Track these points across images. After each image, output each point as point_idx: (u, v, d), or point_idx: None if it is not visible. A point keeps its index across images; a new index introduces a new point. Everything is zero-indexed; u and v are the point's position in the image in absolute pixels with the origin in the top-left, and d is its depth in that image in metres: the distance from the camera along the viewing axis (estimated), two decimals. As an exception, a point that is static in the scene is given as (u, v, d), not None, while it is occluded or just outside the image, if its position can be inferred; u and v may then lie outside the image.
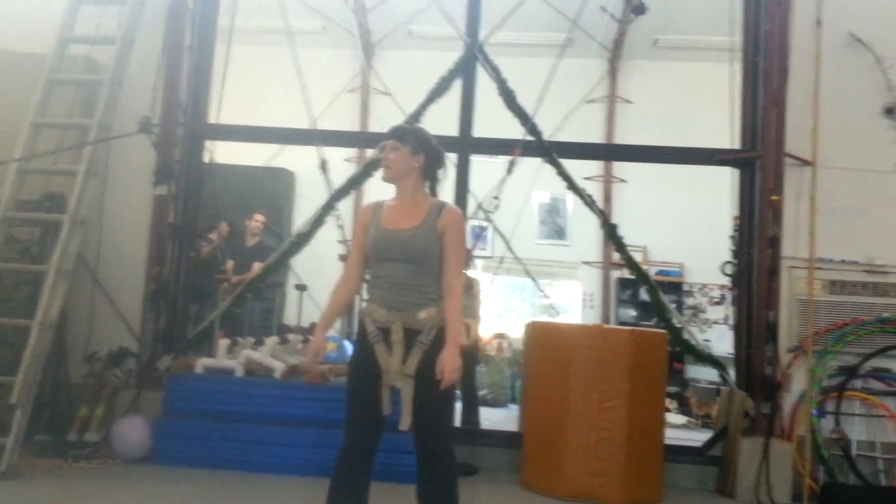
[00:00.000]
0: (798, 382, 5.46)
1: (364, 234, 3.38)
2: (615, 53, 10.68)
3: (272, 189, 10.01)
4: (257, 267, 6.69)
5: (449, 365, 3.12)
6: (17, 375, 4.70)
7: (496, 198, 5.61)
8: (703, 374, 8.89)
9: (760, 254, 5.46)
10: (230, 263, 7.70)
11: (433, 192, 3.47)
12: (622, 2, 9.66)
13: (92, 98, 5.64)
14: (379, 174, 3.59)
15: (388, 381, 3.21)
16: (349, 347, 7.26)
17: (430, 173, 3.43)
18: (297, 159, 9.71)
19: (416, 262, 3.25)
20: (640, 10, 8.55)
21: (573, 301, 11.00)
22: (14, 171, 5.26)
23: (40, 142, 5.43)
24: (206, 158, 6.05)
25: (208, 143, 6.06)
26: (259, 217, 8.45)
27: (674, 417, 7.47)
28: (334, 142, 6.53)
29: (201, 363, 5.32)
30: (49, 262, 5.08)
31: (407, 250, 3.25)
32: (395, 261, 3.26)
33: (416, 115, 5.87)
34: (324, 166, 5.92)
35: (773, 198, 5.42)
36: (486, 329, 9.27)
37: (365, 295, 3.44)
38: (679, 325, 5.89)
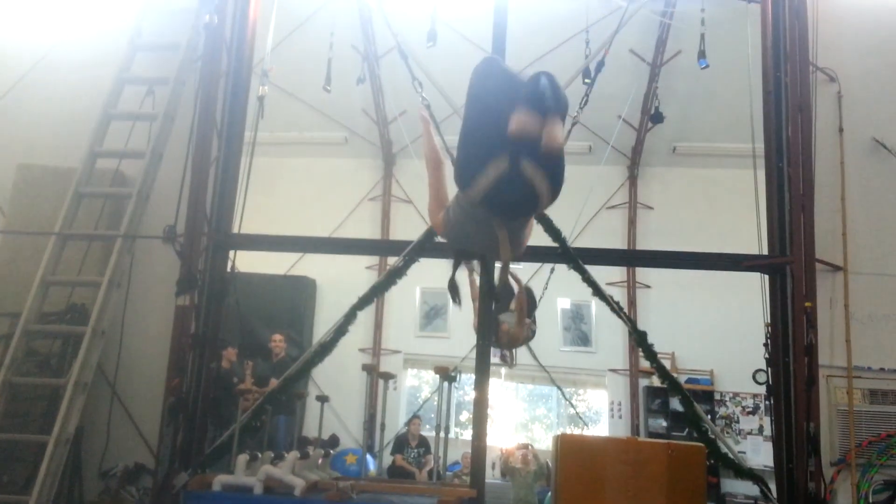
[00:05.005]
0: (843, 497, 5.20)
1: None
2: (634, 161, 10.80)
3: (294, 297, 9.99)
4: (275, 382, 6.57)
5: None
6: (30, 494, 4.55)
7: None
8: (740, 489, 8.52)
9: (797, 362, 5.25)
10: (248, 381, 7.66)
11: None
12: (640, 111, 9.86)
13: (119, 210, 5.71)
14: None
15: None
16: (371, 461, 7.02)
17: None
18: (319, 267, 9.83)
19: None
20: (657, 118, 8.71)
21: (600, 410, 10.68)
22: (37, 284, 5.25)
23: (66, 254, 5.45)
24: (228, 268, 6.04)
25: (231, 253, 6.06)
26: (277, 338, 8.53)
27: (712, 535, 7.12)
28: (356, 250, 6.54)
29: (218, 480, 5.13)
30: (68, 375, 5.00)
31: None
32: None
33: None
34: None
35: (807, 304, 5.28)
36: (510, 440, 8.99)
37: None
38: (714, 438, 5.65)
